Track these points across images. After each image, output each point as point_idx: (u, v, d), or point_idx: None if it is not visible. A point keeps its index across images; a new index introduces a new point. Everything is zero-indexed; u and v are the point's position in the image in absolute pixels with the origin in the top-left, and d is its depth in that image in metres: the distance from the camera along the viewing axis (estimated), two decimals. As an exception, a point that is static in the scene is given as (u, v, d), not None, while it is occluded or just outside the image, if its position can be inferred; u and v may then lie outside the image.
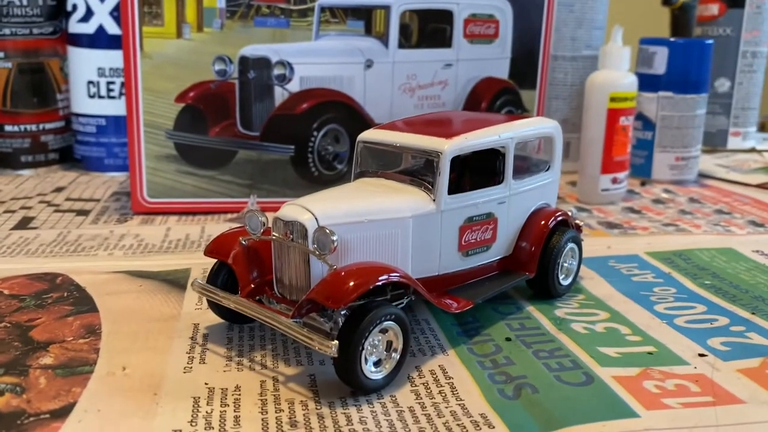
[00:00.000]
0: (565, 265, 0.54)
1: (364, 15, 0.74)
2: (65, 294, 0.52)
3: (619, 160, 0.80)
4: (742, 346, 0.46)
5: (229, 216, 0.74)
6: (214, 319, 0.48)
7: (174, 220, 0.72)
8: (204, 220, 0.72)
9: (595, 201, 0.81)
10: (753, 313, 0.51)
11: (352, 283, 0.38)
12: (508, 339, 0.47)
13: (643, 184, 0.91)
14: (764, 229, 0.73)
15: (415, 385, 0.41)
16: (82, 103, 0.91)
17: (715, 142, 1.13)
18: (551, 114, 0.92)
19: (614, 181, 0.80)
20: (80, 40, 0.89)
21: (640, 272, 0.60)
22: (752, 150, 1.13)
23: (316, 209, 0.41)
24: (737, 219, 0.76)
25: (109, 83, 0.89)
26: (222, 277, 0.46)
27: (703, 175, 0.95)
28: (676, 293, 0.55)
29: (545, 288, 0.53)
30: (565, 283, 0.54)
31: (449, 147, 0.46)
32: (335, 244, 0.40)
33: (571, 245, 0.54)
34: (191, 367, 0.42)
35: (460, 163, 0.55)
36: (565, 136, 0.93)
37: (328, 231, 0.40)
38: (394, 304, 0.42)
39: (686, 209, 0.80)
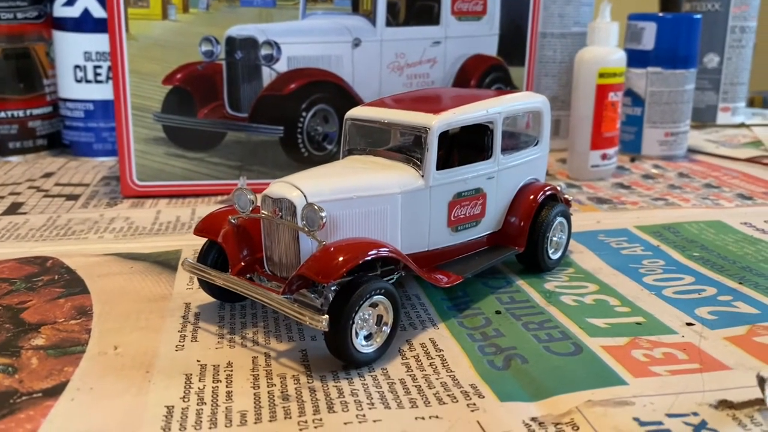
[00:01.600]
0: (554, 239, 0.54)
1: (351, -7, 0.73)
2: (56, 277, 0.52)
3: (608, 136, 0.80)
4: (729, 314, 0.47)
5: (219, 198, 0.74)
6: (206, 298, 0.48)
7: (164, 203, 0.72)
8: (194, 203, 0.72)
9: (585, 177, 0.81)
10: (740, 283, 0.52)
11: (341, 258, 0.39)
12: (497, 312, 0.47)
13: (632, 160, 0.91)
14: (752, 202, 0.73)
15: (406, 358, 0.41)
16: (69, 88, 0.90)
17: (704, 118, 1.13)
18: (541, 91, 0.92)
19: (604, 157, 0.81)
20: (66, 24, 0.88)
21: (629, 245, 0.60)
22: (741, 125, 1.13)
23: (304, 186, 0.42)
24: (726, 192, 0.77)
25: (96, 67, 0.89)
26: (212, 256, 0.46)
27: (692, 150, 0.95)
28: (665, 265, 0.56)
29: (535, 262, 0.53)
30: (555, 257, 0.54)
31: (437, 122, 0.46)
32: (324, 220, 0.40)
33: (560, 219, 0.54)
34: (183, 345, 0.42)
35: (448, 139, 0.55)
36: (554, 114, 0.93)
37: (316, 207, 0.40)
38: (384, 279, 0.42)
39: (675, 184, 0.80)
